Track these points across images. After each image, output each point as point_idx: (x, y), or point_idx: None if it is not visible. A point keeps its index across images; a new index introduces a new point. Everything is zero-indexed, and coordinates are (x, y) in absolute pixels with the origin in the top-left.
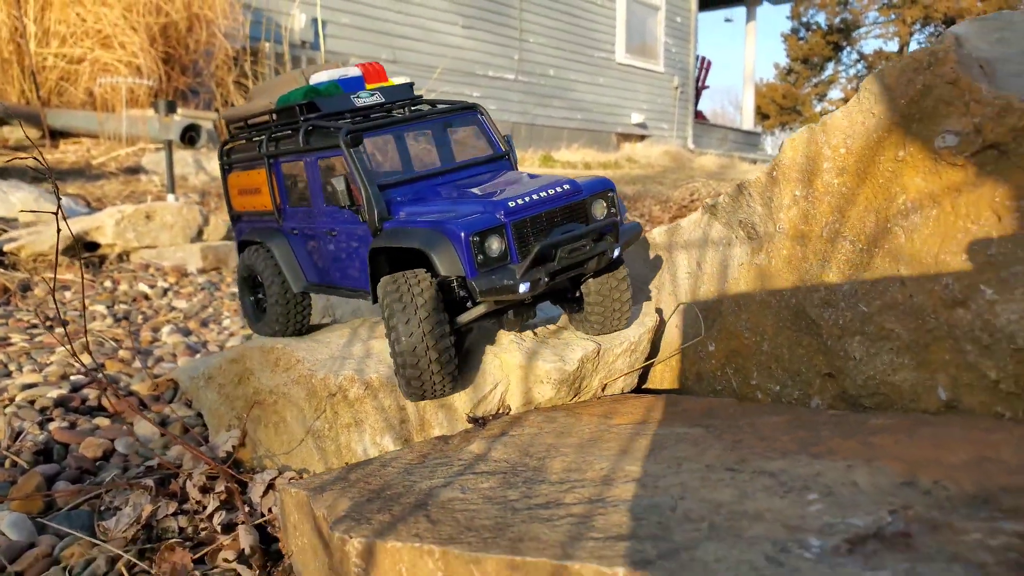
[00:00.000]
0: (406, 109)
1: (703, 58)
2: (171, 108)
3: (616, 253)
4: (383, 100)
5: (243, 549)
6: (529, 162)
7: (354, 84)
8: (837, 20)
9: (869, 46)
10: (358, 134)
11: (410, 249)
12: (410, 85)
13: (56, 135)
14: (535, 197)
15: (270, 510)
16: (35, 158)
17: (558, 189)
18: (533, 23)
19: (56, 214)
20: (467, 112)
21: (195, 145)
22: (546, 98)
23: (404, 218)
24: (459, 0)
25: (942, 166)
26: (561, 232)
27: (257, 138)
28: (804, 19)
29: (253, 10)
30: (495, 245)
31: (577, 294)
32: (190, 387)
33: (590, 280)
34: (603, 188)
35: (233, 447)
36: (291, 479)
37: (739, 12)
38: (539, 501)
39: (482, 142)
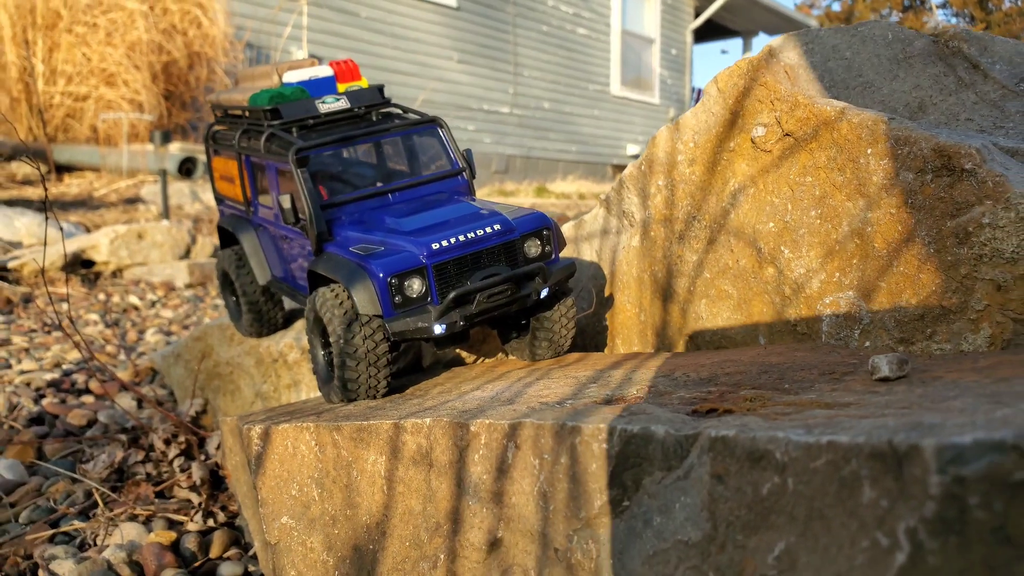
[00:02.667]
0: (373, 114)
1: (699, 90)
2: (166, 139)
3: (544, 294)
4: (348, 105)
5: (195, 481)
6: (524, 193)
7: (325, 85)
8: None
9: None
10: (305, 155)
11: None
12: (380, 88)
13: (61, 169)
14: (462, 238)
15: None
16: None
17: (488, 230)
18: (528, 57)
19: (46, 219)
20: (426, 126)
21: (192, 177)
22: (542, 131)
23: (340, 242)
24: (454, 36)
25: (758, 153)
26: (485, 275)
27: (231, 130)
28: None
29: (254, 48)
30: (415, 285)
31: (523, 322)
32: (162, 366)
33: (541, 314)
34: (538, 226)
35: (196, 412)
36: None
37: (735, 44)
38: (407, 408)
39: (439, 158)
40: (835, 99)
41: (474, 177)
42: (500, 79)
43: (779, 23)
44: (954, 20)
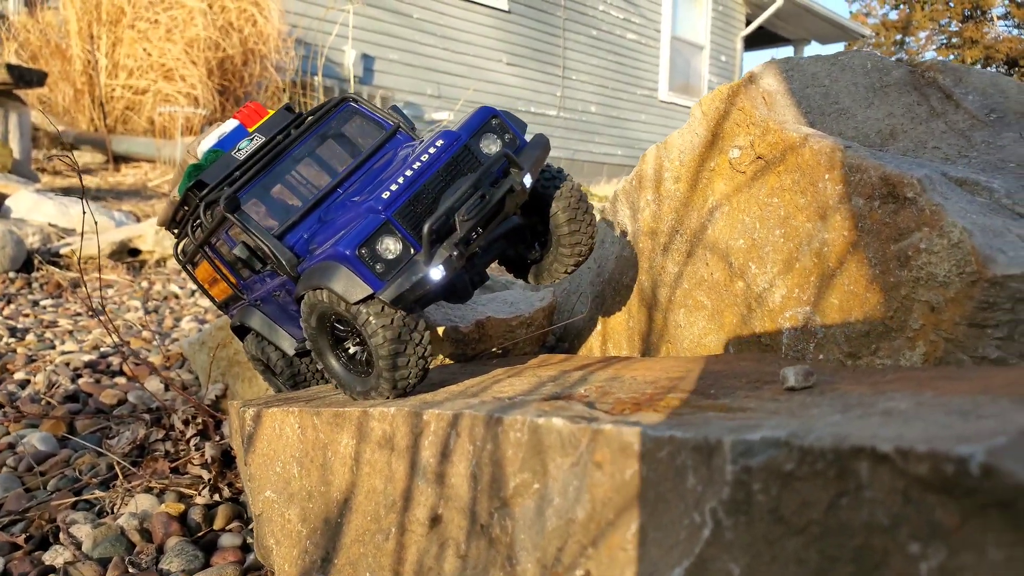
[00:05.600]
0: (289, 132)
1: None
2: None
3: (527, 180)
4: (264, 138)
5: (207, 459)
6: None
7: (236, 135)
8: (892, 60)
9: None
10: (233, 198)
11: None
12: (287, 107)
13: (119, 159)
14: (409, 173)
15: None
16: (65, 160)
17: (431, 151)
18: (576, 61)
19: (82, 199)
20: (339, 108)
21: None
22: (588, 134)
23: (315, 253)
24: (504, 39)
25: (734, 173)
26: (450, 194)
27: (186, 232)
28: None
29: (305, 45)
30: (391, 245)
31: (534, 241)
32: (189, 352)
33: (554, 209)
34: (484, 118)
35: (216, 396)
36: None
37: (786, 52)
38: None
39: (370, 128)
40: (810, 125)
41: (413, 128)
42: (548, 82)
43: (832, 32)
44: (1016, 32)
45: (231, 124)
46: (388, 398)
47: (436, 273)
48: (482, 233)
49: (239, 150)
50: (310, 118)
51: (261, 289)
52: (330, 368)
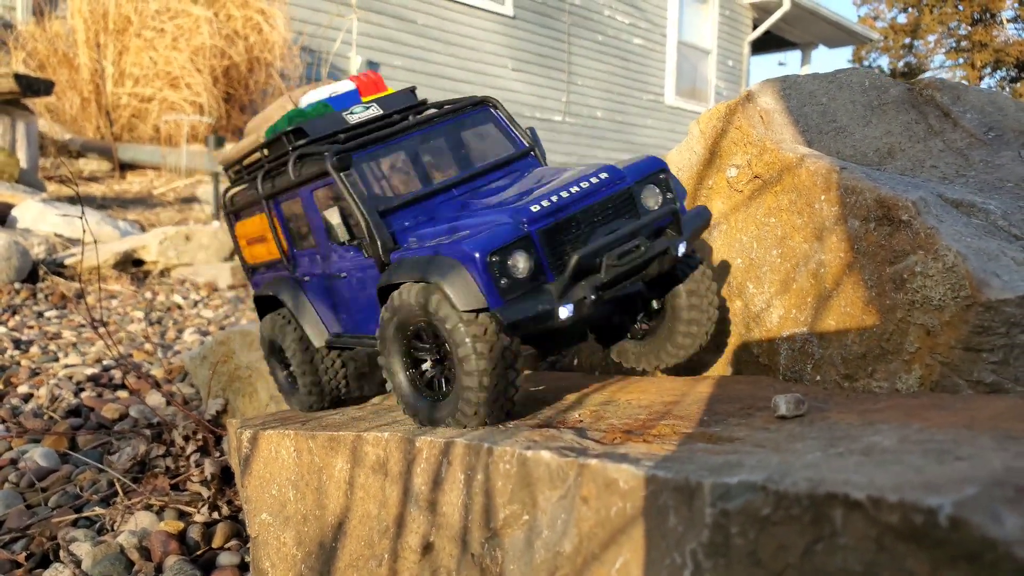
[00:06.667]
0: (410, 117)
1: None
2: (220, 143)
3: (682, 249)
4: (381, 112)
5: (206, 476)
6: None
7: (348, 100)
8: (901, 64)
9: None
10: (346, 156)
11: None
12: (412, 90)
13: (125, 167)
14: (565, 195)
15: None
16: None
17: (593, 180)
18: (582, 66)
19: (81, 216)
20: (478, 109)
21: None
22: (594, 139)
23: (414, 245)
24: (510, 44)
25: (731, 192)
26: (605, 233)
27: (251, 179)
28: (866, 63)
29: (310, 52)
30: (521, 263)
31: (638, 318)
32: (190, 366)
33: (681, 289)
34: (652, 169)
35: (217, 411)
36: None
37: (793, 56)
38: (384, 420)
39: (501, 140)
40: (807, 144)
41: (544, 156)
42: (554, 87)
43: (839, 36)
44: None
45: (346, 85)
46: (464, 427)
47: (564, 312)
48: (620, 285)
49: (351, 113)
50: (436, 109)
51: (318, 266)
52: (397, 385)
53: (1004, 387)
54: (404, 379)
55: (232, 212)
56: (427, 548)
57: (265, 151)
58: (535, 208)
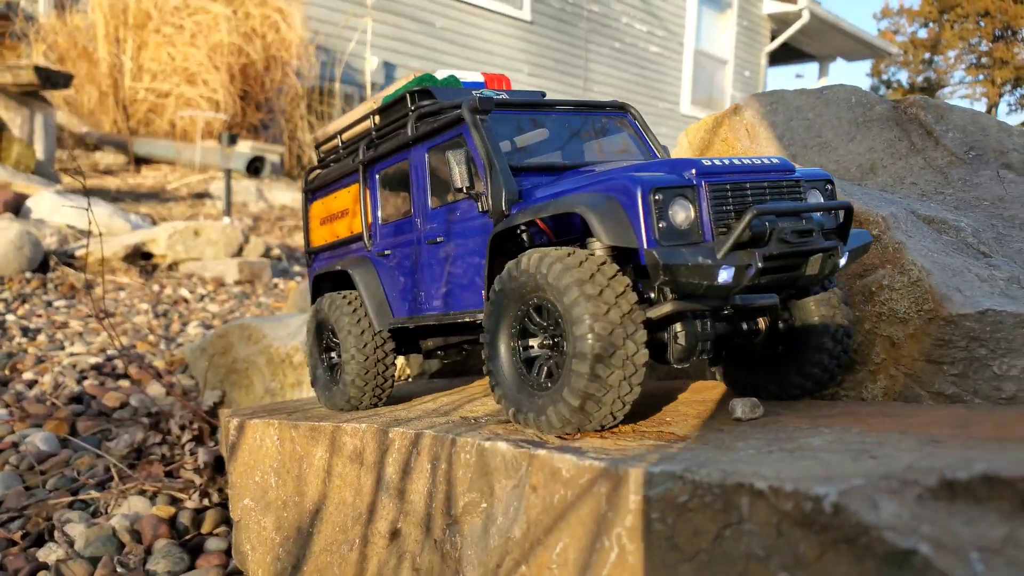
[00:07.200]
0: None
1: None
2: (232, 140)
3: (843, 261)
4: (510, 99)
5: (199, 464)
6: None
7: (475, 87)
8: (920, 79)
9: None
10: (488, 101)
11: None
12: (542, 94)
13: (140, 161)
14: (738, 163)
15: None
16: (77, 174)
17: (766, 161)
18: (598, 72)
19: (87, 207)
20: (616, 112)
21: (259, 175)
22: None
23: (543, 196)
24: (526, 49)
25: None
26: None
27: (350, 150)
28: (885, 76)
29: (326, 51)
30: (681, 213)
31: (757, 337)
32: (190, 357)
33: (807, 302)
34: (821, 177)
35: (214, 402)
36: None
37: (812, 68)
38: (363, 413)
39: (634, 147)
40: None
41: None
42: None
43: (858, 49)
44: None
45: (474, 76)
46: (558, 428)
47: (724, 274)
48: (779, 275)
49: (481, 94)
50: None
51: (408, 235)
52: (497, 367)
53: (963, 399)
54: (505, 356)
55: (311, 190)
56: (394, 534)
57: (376, 119)
58: (706, 162)
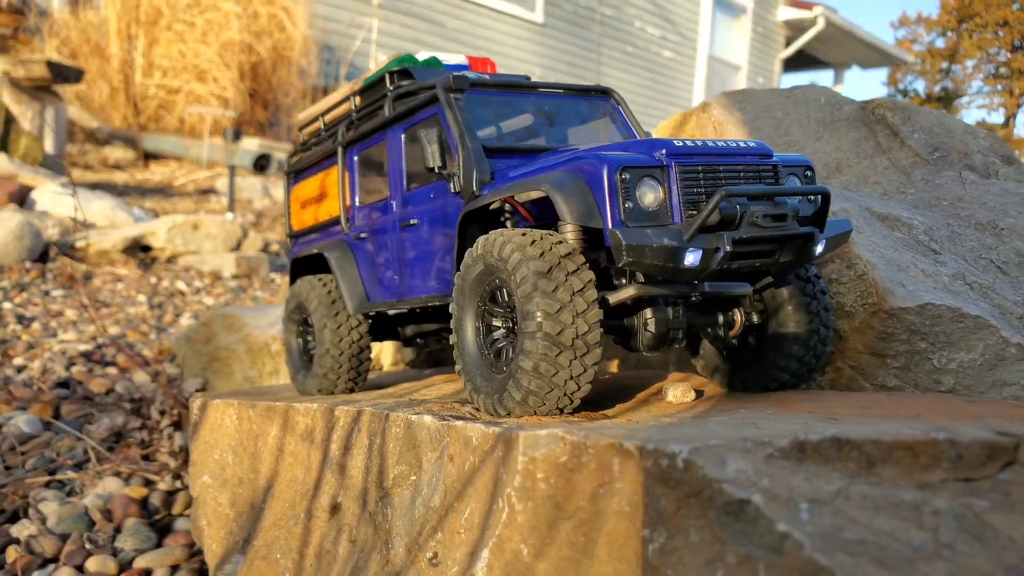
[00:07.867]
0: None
1: None
2: (237, 137)
3: (820, 249)
4: (486, 80)
5: (174, 448)
6: None
7: (458, 68)
8: (937, 88)
9: (971, 116)
10: (462, 79)
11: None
12: (526, 78)
13: (149, 156)
14: (711, 144)
15: None
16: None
17: (742, 144)
18: (610, 76)
19: (73, 193)
20: (598, 96)
21: (265, 172)
22: None
23: (512, 176)
24: (538, 52)
25: None
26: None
27: (331, 132)
28: (901, 86)
29: (331, 50)
30: (649, 194)
31: (734, 323)
32: (176, 346)
33: (788, 305)
34: (800, 163)
35: (196, 389)
36: None
37: (826, 76)
38: (341, 399)
39: (615, 132)
40: None
41: None
42: None
43: (874, 57)
44: None
45: (458, 58)
46: (513, 409)
47: (690, 257)
48: (751, 261)
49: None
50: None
51: (383, 218)
52: (464, 345)
53: (903, 390)
54: (471, 336)
55: (292, 172)
56: (335, 508)
57: (357, 99)
58: (677, 143)
